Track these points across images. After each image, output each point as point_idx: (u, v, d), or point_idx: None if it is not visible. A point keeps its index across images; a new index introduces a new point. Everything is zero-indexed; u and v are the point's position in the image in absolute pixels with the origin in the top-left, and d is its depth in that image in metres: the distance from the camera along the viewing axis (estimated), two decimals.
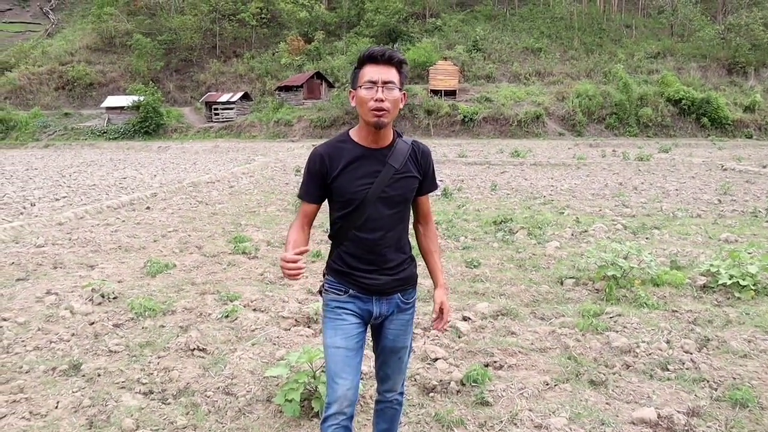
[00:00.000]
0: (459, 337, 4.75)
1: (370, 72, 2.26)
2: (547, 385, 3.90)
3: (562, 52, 49.26)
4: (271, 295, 5.89)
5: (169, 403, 3.72)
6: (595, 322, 4.94)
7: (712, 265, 6.12)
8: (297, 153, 29.27)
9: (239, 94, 46.07)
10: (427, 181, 2.52)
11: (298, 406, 3.40)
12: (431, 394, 3.80)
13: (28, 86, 49.73)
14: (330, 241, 2.54)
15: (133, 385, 3.94)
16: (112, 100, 45.20)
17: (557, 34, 51.76)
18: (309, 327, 5.05)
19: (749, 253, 6.44)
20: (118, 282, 6.40)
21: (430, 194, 2.61)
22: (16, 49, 54.20)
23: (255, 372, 4.11)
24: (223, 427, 3.44)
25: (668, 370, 4.10)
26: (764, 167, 19.78)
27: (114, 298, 5.76)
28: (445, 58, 44.54)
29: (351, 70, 2.40)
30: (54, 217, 10.37)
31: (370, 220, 2.36)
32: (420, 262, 2.63)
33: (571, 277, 6.38)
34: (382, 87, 2.24)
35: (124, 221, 10.35)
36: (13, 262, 7.25)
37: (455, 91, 42.38)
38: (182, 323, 5.10)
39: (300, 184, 2.46)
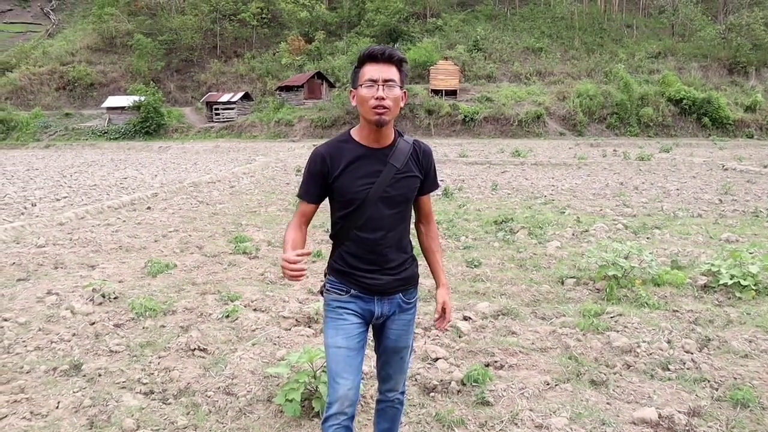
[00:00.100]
0: (459, 337, 4.75)
1: (371, 71, 2.26)
2: (548, 384, 3.90)
3: (562, 52, 49.26)
4: (271, 295, 5.89)
5: (169, 403, 3.72)
6: (596, 322, 4.94)
7: (713, 265, 6.11)
8: (298, 153, 29.27)
9: (240, 94, 46.10)
10: (428, 181, 2.52)
11: (299, 406, 3.40)
12: (432, 394, 3.79)
13: (29, 86, 49.78)
14: (331, 241, 2.53)
15: (133, 385, 3.94)
16: (112, 101, 45.24)
17: (558, 34, 51.76)
18: (310, 327, 5.05)
19: (750, 253, 6.43)
20: (119, 282, 6.40)
21: (432, 194, 2.61)
22: (17, 50, 54.28)
23: (255, 372, 4.11)
24: (224, 427, 3.44)
25: (669, 370, 4.09)
26: (765, 167, 19.77)
27: (115, 298, 5.76)
28: (446, 58, 44.55)
29: (351, 70, 2.40)
30: (55, 218, 10.37)
31: (371, 219, 2.36)
32: (421, 262, 2.63)
33: (571, 277, 6.37)
34: (383, 85, 2.24)
35: (124, 221, 10.36)
36: (14, 263, 7.26)
37: (456, 90, 42.38)
38: (183, 323, 5.10)
39: (300, 183, 2.45)
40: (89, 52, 54.22)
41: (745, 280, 5.71)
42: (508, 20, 54.72)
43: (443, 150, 28.08)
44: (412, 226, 2.61)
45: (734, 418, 3.43)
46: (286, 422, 3.46)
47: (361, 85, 2.27)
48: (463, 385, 3.87)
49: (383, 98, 2.24)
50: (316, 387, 3.47)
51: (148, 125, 42.81)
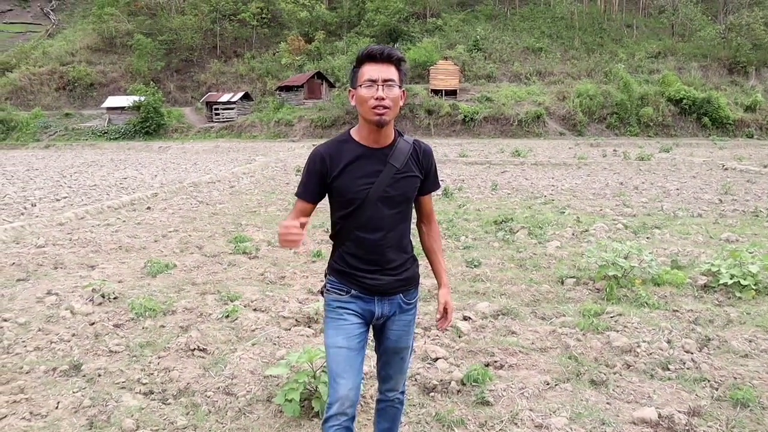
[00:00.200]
0: (459, 337, 4.75)
1: (370, 71, 2.26)
2: (548, 384, 3.90)
3: (562, 52, 49.27)
4: (271, 295, 5.88)
5: (169, 404, 3.71)
6: (596, 322, 4.93)
7: (713, 265, 6.11)
8: (298, 153, 29.27)
9: (240, 94, 46.10)
10: (429, 181, 2.51)
11: (299, 406, 3.40)
12: (432, 394, 3.79)
13: (29, 87, 49.78)
14: (331, 241, 2.53)
15: (133, 386, 3.94)
16: (112, 101, 45.24)
17: (558, 34, 51.76)
18: (309, 327, 5.05)
19: (750, 253, 6.42)
20: (119, 282, 6.40)
21: (433, 194, 2.60)
22: (17, 50, 54.29)
23: (255, 372, 4.11)
24: (224, 427, 3.44)
25: (669, 369, 4.09)
26: (765, 167, 19.76)
27: (114, 298, 5.75)
28: (446, 58, 44.54)
29: (349, 71, 2.39)
30: (55, 218, 10.37)
31: (371, 220, 2.35)
32: (420, 262, 2.62)
33: (571, 277, 6.37)
34: (382, 85, 2.24)
35: (124, 221, 10.36)
36: (13, 263, 7.26)
37: (456, 90, 42.38)
38: (182, 323, 5.10)
39: (298, 182, 2.45)
40: (89, 52, 54.22)
41: (745, 279, 5.70)
42: (508, 20, 54.73)
43: (443, 150, 28.08)
44: (413, 226, 2.60)
45: (734, 418, 3.43)
46: (285, 422, 3.45)
47: (360, 86, 2.27)
48: (463, 384, 3.86)
49: (383, 98, 2.23)
50: (316, 387, 3.47)
51: (148, 125, 42.81)
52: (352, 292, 2.44)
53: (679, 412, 3.47)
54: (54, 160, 27.42)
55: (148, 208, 12.01)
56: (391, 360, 2.62)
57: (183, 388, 3.89)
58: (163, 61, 52.20)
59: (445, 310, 2.57)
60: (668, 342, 4.53)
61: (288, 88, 45.47)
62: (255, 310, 5.47)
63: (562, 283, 6.27)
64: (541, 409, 3.58)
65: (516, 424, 3.42)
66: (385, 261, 2.41)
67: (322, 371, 3.46)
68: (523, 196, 13.27)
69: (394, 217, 2.39)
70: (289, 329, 4.97)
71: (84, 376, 4.07)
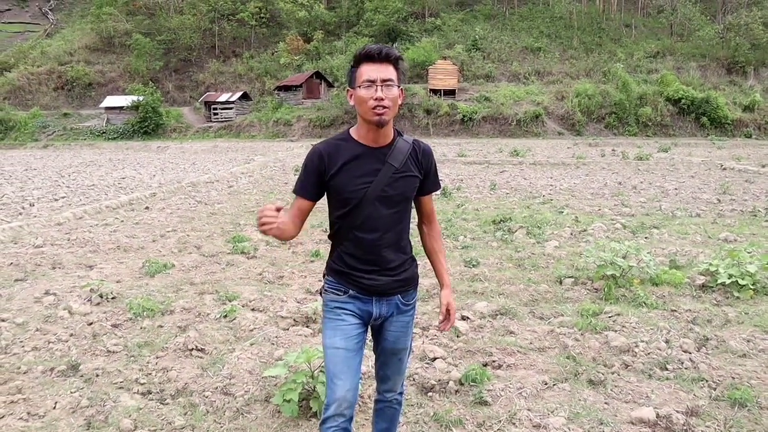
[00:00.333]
0: (458, 337, 4.75)
1: (368, 71, 2.25)
2: (546, 384, 3.90)
3: (561, 52, 49.27)
4: (269, 295, 5.88)
5: (167, 404, 3.71)
6: (594, 322, 4.94)
7: (711, 265, 6.11)
8: (296, 153, 29.25)
9: (238, 94, 46.06)
10: (429, 181, 2.51)
11: (297, 406, 3.40)
12: (430, 394, 3.79)
13: (27, 86, 49.69)
14: (330, 241, 2.52)
15: (131, 386, 3.93)
16: (111, 100, 45.18)
17: (556, 34, 51.76)
18: (307, 327, 5.05)
19: (748, 253, 6.43)
20: (117, 282, 6.39)
21: (433, 194, 2.60)
22: (15, 50, 54.20)
23: (253, 372, 4.10)
24: (222, 427, 3.43)
25: (667, 369, 4.09)
26: (763, 167, 19.78)
27: (112, 298, 5.75)
28: (445, 58, 44.53)
29: (347, 70, 2.39)
30: (53, 218, 10.36)
31: (369, 219, 2.35)
32: (420, 262, 2.62)
33: (570, 277, 6.37)
34: (381, 85, 2.23)
35: (122, 221, 10.35)
36: (11, 263, 7.25)
37: (454, 90, 42.38)
38: (181, 323, 5.10)
39: (296, 180, 2.44)
40: (87, 52, 54.15)
41: (743, 279, 5.71)
42: (506, 20, 54.73)
43: (442, 150, 28.08)
44: (413, 226, 2.59)
45: (732, 418, 3.43)
46: (283, 422, 3.45)
47: (359, 86, 2.26)
48: (461, 384, 3.86)
49: (382, 99, 2.22)
50: (314, 387, 3.47)
51: (146, 125, 42.76)
52: (350, 292, 2.43)
53: (677, 411, 3.47)
54: (52, 160, 27.38)
55: (147, 208, 12.00)
56: (389, 361, 2.61)
57: (181, 388, 3.89)
58: (161, 60, 52.13)
59: (448, 311, 2.55)
60: (666, 342, 4.54)
61: (286, 88, 45.44)
62: (253, 310, 5.47)
63: (561, 282, 6.27)
64: (539, 408, 3.58)
65: (514, 423, 3.42)
66: (383, 261, 2.40)
67: (320, 371, 3.46)
68: (522, 196, 13.27)
69: (392, 216, 2.38)
70: (288, 329, 4.97)
71: (82, 376, 4.07)
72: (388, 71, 2.26)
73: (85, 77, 50.18)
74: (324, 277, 2.54)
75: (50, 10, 65.23)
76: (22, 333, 4.86)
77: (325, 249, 7.50)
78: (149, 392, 3.85)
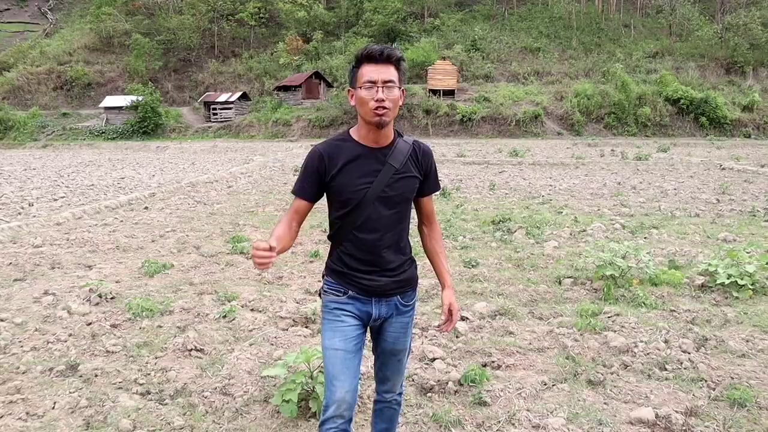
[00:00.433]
0: (457, 337, 4.75)
1: (369, 71, 2.24)
2: (545, 384, 3.90)
3: (560, 52, 49.30)
4: (268, 295, 5.88)
5: (166, 404, 3.71)
6: (593, 322, 4.93)
7: (710, 265, 6.11)
8: (295, 153, 29.26)
9: (237, 94, 46.08)
10: (429, 182, 2.50)
11: (296, 407, 3.40)
12: (429, 394, 3.79)
13: (27, 86, 49.70)
14: (329, 242, 2.52)
15: (130, 386, 3.93)
16: (110, 100, 45.19)
17: (556, 34, 51.80)
18: (307, 327, 5.04)
19: (747, 253, 6.44)
20: (116, 282, 6.39)
21: (433, 195, 2.59)
22: (15, 49, 54.20)
23: (252, 372, 4.10)
24: (221, 427, 3.43)
25: (666, 369, 4.09)
26: (762, 166, 19.80)
27: (111, 298, 5.74)
28: (444, 58, 44.57)
29: (348, 69, 2.38)
30: (52, 218, 10.35)
31: (369, 220, 2.34)
32: (420, 263, 2.61)
33: (569, 277, 6.37)
34: (382, 86, 2.22)
35: (122, 221, 10.34)
36: (10, 263, 7.24)
37: (454, 90, 42.41)
38: (180, 323, 5.09)
39: (296, 180, 2.44)
40: (87, 52, 54.15)
41: (742, 279, 5.71)
42: (505, 20, 54.76)
43: (441, 150, 28.09)
44: (413, 227, 2.59)
45: (731, 418, 3.43)
46: (282, 423, 3.45)
47: (360, 87, 2.25)
48: (461, 385, 3.86)
49: (383, 100, 2.22)
50: (313, 387, 3.47)
51: (145, 125, 42.77)
52: (350, 293, 2.42)
53: (676, 412, 3.47)
54: (51, 160, 27.37)
55: (146, 208, 11.99)
56: (388, 362, 2.61)
57: (180, 388, 3.88)
58: (160, 60, 52.14)
59: (450, 311, 2.53)
60: (665, 342, 4.54)
61: (286, 88, 45.46)
62: (252, 310, 5.46)
63: (560, 283, 6.27)
64: (538, 409, 3.58)
65: (513, 424, 3.42)
66: (382, 262, 2.39)
67: (320, 372, 3.46)
68: (521, 196, 13.28)
69: (392, 217, 2.38)
70: (287, 329, 4.97)
71: (81, 376, 4.06)
72: (389, 72, 2.25)
73: (85, 77, 50.20)
74: (323, 277, 2.53)
75: (49, 9, 65.21)
76: (21, 333, 4.86)
77: (324, 249, 7.50)
78: (148, 392, 3.85)
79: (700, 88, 41.88)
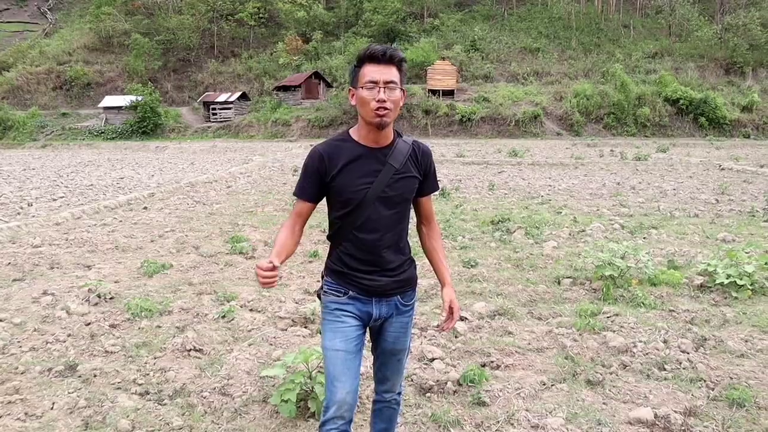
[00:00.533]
0: (456, 337, 4.75)
1: (371, 72, 2.24)
2: (544, 385, 3.90)
3: (560, 52, 49.31)
4: (267, 296, 5.87)
5: (165, 404, 3.70)
6: (592, 322, 4.93)
7: (709, 265, 6.12)
8: (295, 153, 29.25)
9: (237, 94, 46.06)
10: (428, 182, 2.50)
11: (294, 407, 3.40)
12: (428, 395, 3.79)
13: (26, 86, 49.67)
14: (328, 242, 2.52)
15: (129, 386, 3.92)
16: (109, 100, 45.16)
17: (555, 34, 51.80)
18: (306, 327, 5.04)
19: (746, 253, 6.44)
20: (115, 282, 6.38)
21: (432, 195, 2.59)
22: (14, 49, 54.16)
23: (251, 372, 4.10)
24: (219, 427, 3.43)
25: (665, 369, 4.10)
26: (761, 167, 19.81)
27: (110, 298, 5.74)
28: (443, 58, 44.56)
29: (349, 69, 2.38)
30: (51, 217, 10.34)
31: (369, 220, 2.34)
32: (419, 263, 2.61)
33: (568, 277, 6.38)
34: (384, 87, 2.22)
35: (121, 221, 10.33)
36: (9, 263, 7.23)
37: (453, 90, 42.40)
38: (179, 324, 5.09)
39: (297, 182, 2.44)
40: (86, 52, 54.11)
41: (741, 279, 5.71)
42: (505, 20, 54.76)
43: (440, 150, 28.09)
44: (412, 227, 2.59)
45: (730, 418, 3.43)
46: (281, 423, 3.45)
47: (361, 87, 2.25)
48: (460, 385, 3.86)
49: (384, 101, 2.22)
50: (312, 387, 3.46)
51: (145, 125, 42.75)
52: (350, 293, 2.42)
53: (675, 412, 3.47)
54: (51, 160, 27.36)
55: (145, 208, 11.98)
56: (388, 361, 2.61)
57: (179, 388, 3.88)
58: (160, 60, 52.12)
59: (451, 309, 2.52)
60: (664, 342, 4.54)
61: (285, 88, 45.44)
62: (251, 310, 5.46)
63: (559, 283, 6.27)
64: (537, 409, 3.58)
65: (512, 424, 3.42)
66: (382, 262, 2.40)
67: (318, 372, 3.46)
68: (520, 196, 13.28)
69: (392, 217, 2.38)
70: (286, 329, 4.97)
71: (79, 376, 4.06)
72: (391, 73, 2.25)
73: (84, 77, 50.16)
74: (322, 278, 2.53)
75: (49, 9, 65.17)
76: (20, 333, 4.85)
77: (323, 250, 7.49)
78: (147, 393, 3.84)
79: (700, 88, 41.90)
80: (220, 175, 18.43)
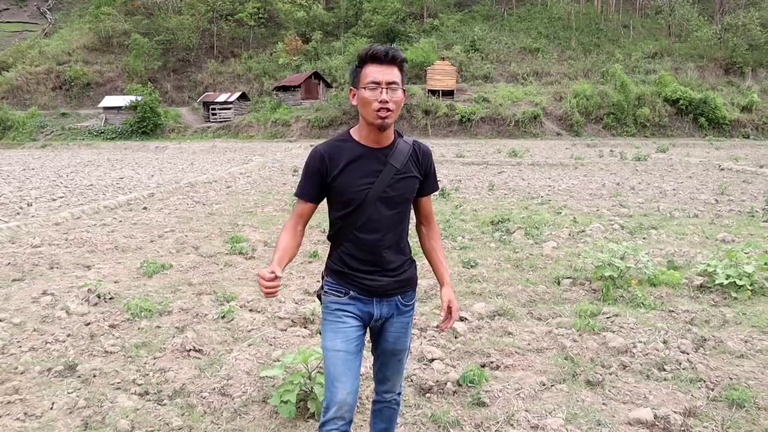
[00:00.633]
0: (456, 338, 4.75)
1: (374, 72, 2.24)
2: (544, 385, 3.90)
3: (559, 52, 49.31)
4: None
5: (164, 404, 3.70)
6: (592, 323, 4.93)
7: (709, 265, 6.12)
8: (294, 153, 29.25)
9: (237, 94, 46.05)
10: (428, 182, 2.51)
11: (294, 407, 3.40)
12: (428, 395, 3.79)
13: (25, 86, 49.66)
14: (328, 242, 2.51)
15: (128, 386, 3.92)
16: (109, 100, 45.15)
17: (555, 34, 51.81)
18: (305, 327, 5.04)
19: (746, 253, 6.44)
20: (115, 282, 6.38)
21: (432, 195, 2.59)
22: (14, 49, 54.15)
23: (251, 373, 4.10)
24: (219, 428, 3.43)
25: (665, 370, 4.10)
26: (761, 167, 19.82)
27: (110, 298, 5.74)
28: (443, 58, 44.56)
29: (350, 69, 2.38)
30: (51, 218, 10.34)
31: (370, 220, 2.34)
32: (419, 263, 2.61)
33: (568, 277, 6.38)
34: (386, 88, 2.22)
35: (120, 221, 10.33)
36: (9, 263, 7.23)
37: (453, 91, 42.40)
38: (178, 324, 5.09)
39: (298, 182, 2.44)
40: (86, 52, 54.10)
41: (741, 280, 5.71)
42: (505, 21, 54.76)
43: (440, 150, 28.09)
44: (412, 227, 2.59)
45: (730, 419, 3.43)
46: (281, 423, 3.45)
47: (363, 87, 2.25)
48: (459, 385, 3.86)
49: (387, 102, 2.22)
50: (312, 388, 3.46)
51: (144, 125, 42.74)
52: (351, 293, 2.42)
53: (675, 412, 3.47)
54: (50, 160, 27.35)
55: (145, 208, 11.98)
56: (388, 362, 2.61)
57: (178, 388, 3.88)
58: (160, 60, 52.11)
59: (449, 309, 2.52)
60: (664, 342, 4.54)
61: (285, 89, 45.44)
62: (251, 310, 5.46)
63: (559, 283, 6.27)
64: (537, 409, 3.58)
65: (512, 425, 3.42)
66: (383, 262, 2.40)
67: (318, 372, 3.46)
68: (520, 197, 13.28)
69: (393, 217, 2.38)
70: (285, 330, 4.97)
71: (79, 376, 4.06)
72: (393, 74, 2.25)
73: (84, 77, 50.15)
74: (323, 278, 2.52)
75: (48, 9, 65.15)
76: (20, 333, 4.85)
77: (323, 250, 7.49)
78: (146, 393, 3.84)
79: (699, 88, 41.92)
80: (220, 176, 18.42)
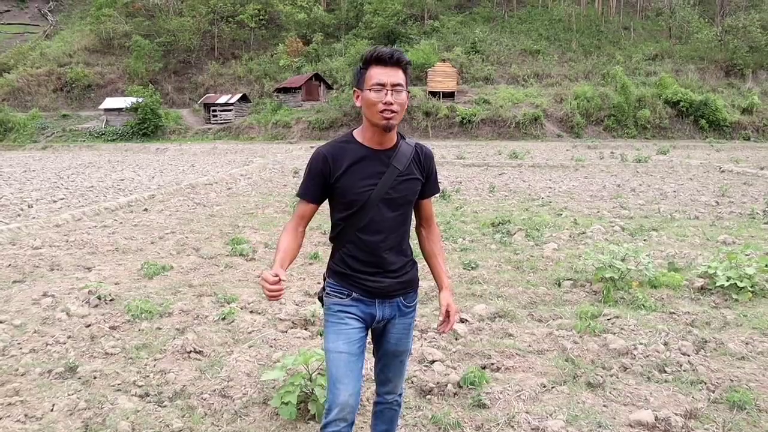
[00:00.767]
0: (456, 339, 4.74)
1: (378, 74, 2.24)
2: (545, 387, 3.89)
3: (560, 54, 49.38)
4: None
5: (165, 406, 3.70)
6: (593, 324, 4.93)
7: (709, 267, 6.11)
8: (295, 155, 29.26)
9: (237, 96, 46.12)
10: (429, 184, 2.51)
11: (295, 409, 3.39)
12: (428, 397, 3.78)
13: (26, 88, 49.75)
14: (330, 244, 2.52)
15: (129, 388, 3.92)
16: (110, 102, 45.22)
17: (555, 36, 51.88)
18: (306, 329, 5.04)
19: (747, 255, 6.44)
20: (115, 284, 6.38)
21: (432, 197, 2.60)
22: (15, 51, 54.28)
23: (251, 374, 4.10)
24: (219, 429, 3.43)
25: (666, 372, 4.09)
26: (762, 169, 19.81)
27: (111, 300, 5.74)
28: (444, 60, 44.62)
29: (353, 70, 2.39)
30: (51, 219, 10.34)
31: (372, 222, 2.35)
32: (420, 265, 2.61)
33: (568, 279, 6.37)
34: (391, 90, 2.23)
35: (121, 223, 10.33)
36: (9, 264, 7.23)
37: (453, 92, 42.46)
38: (179, 325, 5.09)
39: (300, 183, 2.44)
40: (87, 54, 54.20)
41: (741, 281, 5.71)
42: (505, 22, 54.84)
43: (441, 152, 28.09)
44: (412, 229, 2.59)
45: (731, 421, 3.43)
46: (281, 425, 3.44)
47: (368, 89, 2.26)
48: (460, 387, 3.86)
49: (391, 103, 2.23)
50: (312, 390, 3.46)
51: (145, 127, 42.79)
52: (353, 294, 2.42)
53: (676, 414, 3.46)
54: (51, 162, 27.37)
55: (145, 209, 11.98)
56: (390, 363, 2.61)
57: (179, 390, 3.88)
58: (160, 62, 52.19)
59: (447, 313, 2.52)
60: (665, 344, 4.54)
61: (286, 90, 45.51)
62: (252, 312, 5.46)
63: (559, 285, 6.27)
64: (537, 411, 3.58)
65: (512, 426, 3.42)
66: (385, 263, 2.40)
67: (319, 374, 3.46)
68: (521, 198, 13.28)
69: (395, 219, 2.38)
70: (286, 331, 4.96)
71: (79, 378, 4.05)
72: (398, 75, 2.26)
73: (85, 79, 50.26)
74: (325, 280, 2.52)
75: (49, 11, 65.26)
76: (20, 335, 4.85)
77: (324, 251, 7.50)
78: (147, 394, 3.84)
79: (700, 90, 41.96)
80: (221, 177, 18.43)
